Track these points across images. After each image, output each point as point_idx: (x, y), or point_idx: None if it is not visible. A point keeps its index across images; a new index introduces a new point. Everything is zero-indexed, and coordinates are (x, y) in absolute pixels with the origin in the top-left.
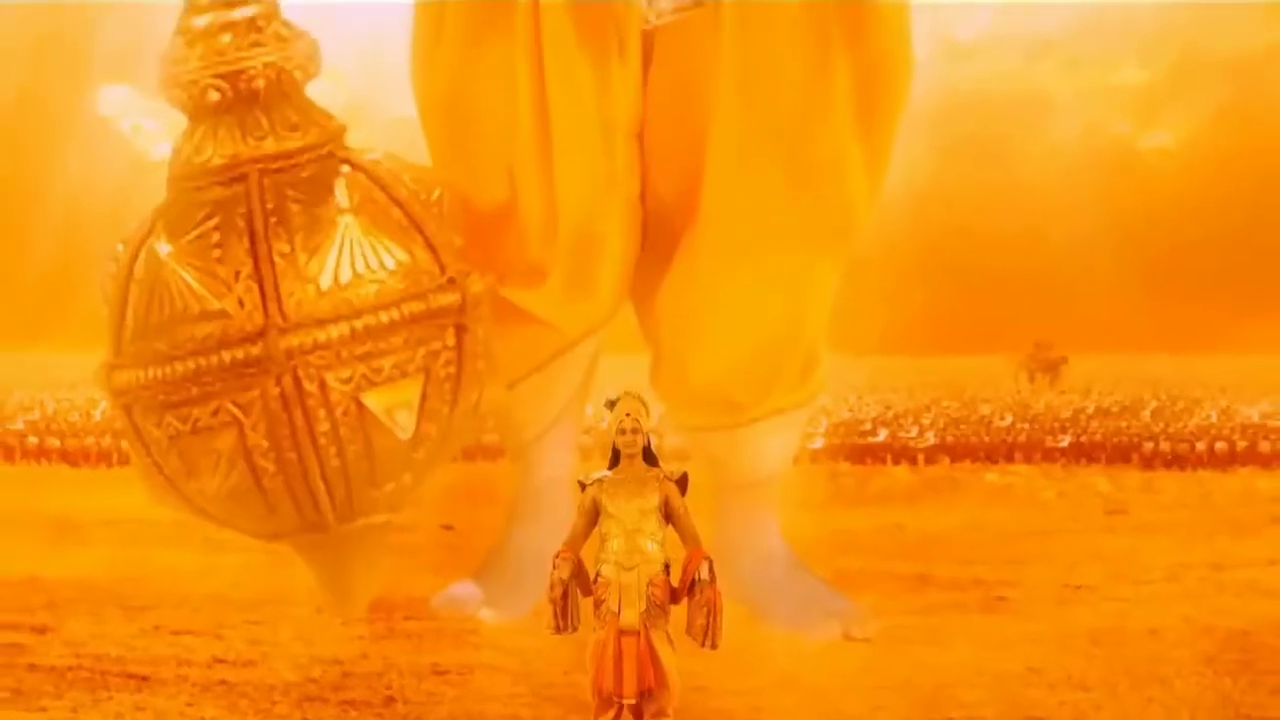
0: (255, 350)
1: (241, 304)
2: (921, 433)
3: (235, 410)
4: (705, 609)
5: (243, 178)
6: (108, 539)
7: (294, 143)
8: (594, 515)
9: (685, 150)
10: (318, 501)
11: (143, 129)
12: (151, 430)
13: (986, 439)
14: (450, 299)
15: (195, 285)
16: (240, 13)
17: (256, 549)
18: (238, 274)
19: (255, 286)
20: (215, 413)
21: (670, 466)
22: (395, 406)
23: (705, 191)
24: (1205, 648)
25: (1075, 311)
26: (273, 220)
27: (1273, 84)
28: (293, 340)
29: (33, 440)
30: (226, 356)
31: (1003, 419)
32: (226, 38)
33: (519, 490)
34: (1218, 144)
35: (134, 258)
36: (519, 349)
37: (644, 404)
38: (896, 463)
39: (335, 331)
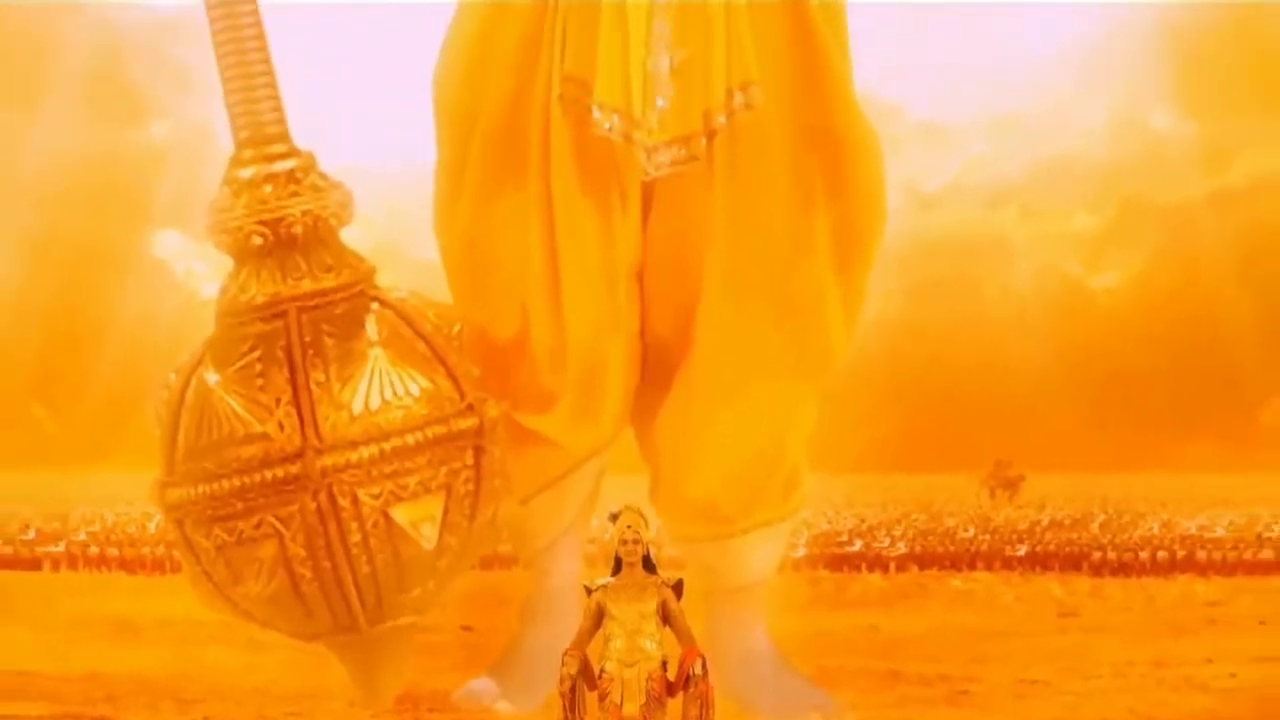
0: (294, 469)
1: (282, 427)
2: (893, 543)
3: (276, 523)
4: (699, 702)
5: (283, 314)
6: (162, 638)
7: (329, 282)
8: (598, 617)
9: (681, 290)
10: (350, 606)
11: (194, 270)
12: (200, 541)
13: (951, 549)
14: (469, 423)
15: (240, 410)
16: (281, 166)
17: (295, 648)
18: (278, 400)
19: (294, 412)
20: (258, 525)
21: (667, 573)
22: (420, 520)
23: (699, 327)
24: None
25: (1032, 434)
26: (310, 352)
27: (1205, 229)
28: (328, 460)
29: (94, 550)
30: (268, 475)
31: (966, 531)
32: (268, 188)
33: (531, 595)
34: (1157, 283)
35: (185, 385)
36: (531, 468)
37: (643, 517)
38: (870, 570)
39: (366, 452)
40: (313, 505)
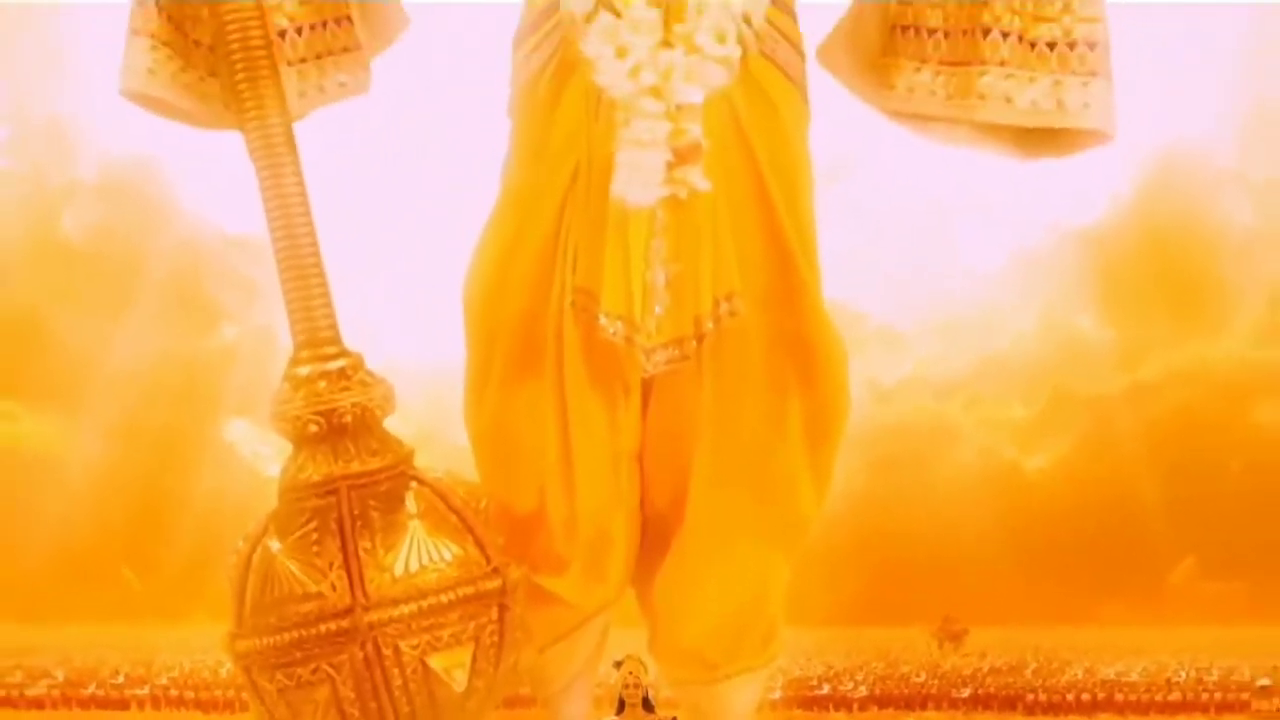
0: (345, 624)
1: (334, 588)
2: (856, 687)
3: (329, 669)
4: None
5: (335, 491)
6: None
7: (374, 464)
8: None
9: (675, 470)
10: None
11: (259, 453)
12: (265, 685)
13: (906, 692)
14: (494, 584)
15: (298, 573)
16: (333, 364)
17: None
18: (331, 565)
19: (344, 574)
20: (314, 671)
21: (664, 713)
22: (452, 666)
23: (690, 502)
24: None
25: (974, 593)
26: (358, 524)
27: (1122, 418)
28: (373, 616)
29: (174, 693)
30: (322, 628)
31: (918, 676)
32: (323, 384)
33: None
34: (1081, 464)
35: (252, 551)
36: (547, 622)
37: (643, 664)
38: (837, 710)
39: (406, 609)
40: (360, 654)
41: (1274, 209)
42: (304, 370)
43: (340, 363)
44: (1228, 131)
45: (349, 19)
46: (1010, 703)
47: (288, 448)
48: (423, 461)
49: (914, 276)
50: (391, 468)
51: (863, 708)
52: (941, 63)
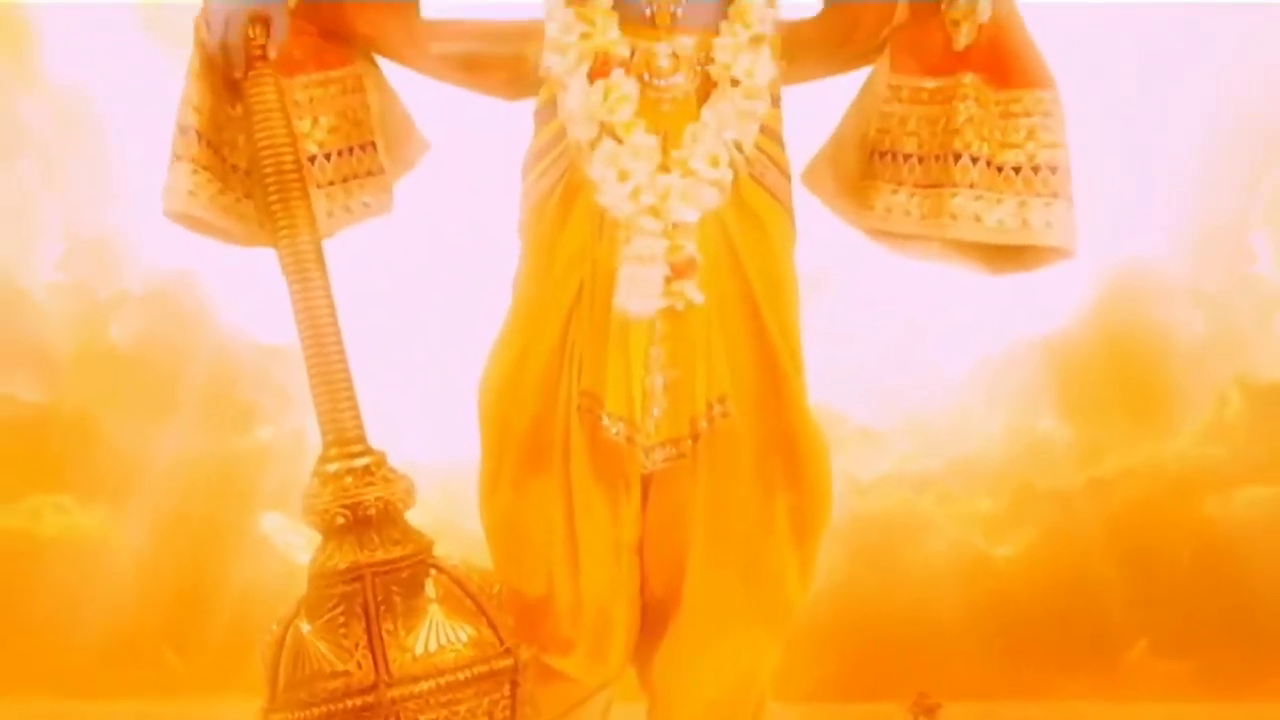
0: (369, 699)
1: (359, 666)
2: None
3: None
4: None
5: (360, 578)
6: None
7: (397, 553)
8: None
9: (672, 559)
10: None
11: (291, 543)
12: None
13: None
14: (506, 663)
15: (327, 653)
16: (359, 462)
17: None
18: (357, 645)
19: (369, 654)
20: None
21: None
22: None
23: (686, 589)
24: None
25: (947, 670)
26: (382, 608)
27: (1081, 511)
28: (395, 692)
29: None
30: (349, 704)
31: None
32: (349, 479)
33: None
34: (1044, 552)
35: (285, 633)
36: (554, 698)
37: None
38: None
39: (425, 686)
40: None
41: (1222, 319)
42: (332, 468)
43: (365, 460)
44: (1180, 248)
45: (373, 145)
46: None
47: (317, 538)
48: (441, 550)
49: (891, 382)
50: (412, 556)
51: None
52: (916, 185)
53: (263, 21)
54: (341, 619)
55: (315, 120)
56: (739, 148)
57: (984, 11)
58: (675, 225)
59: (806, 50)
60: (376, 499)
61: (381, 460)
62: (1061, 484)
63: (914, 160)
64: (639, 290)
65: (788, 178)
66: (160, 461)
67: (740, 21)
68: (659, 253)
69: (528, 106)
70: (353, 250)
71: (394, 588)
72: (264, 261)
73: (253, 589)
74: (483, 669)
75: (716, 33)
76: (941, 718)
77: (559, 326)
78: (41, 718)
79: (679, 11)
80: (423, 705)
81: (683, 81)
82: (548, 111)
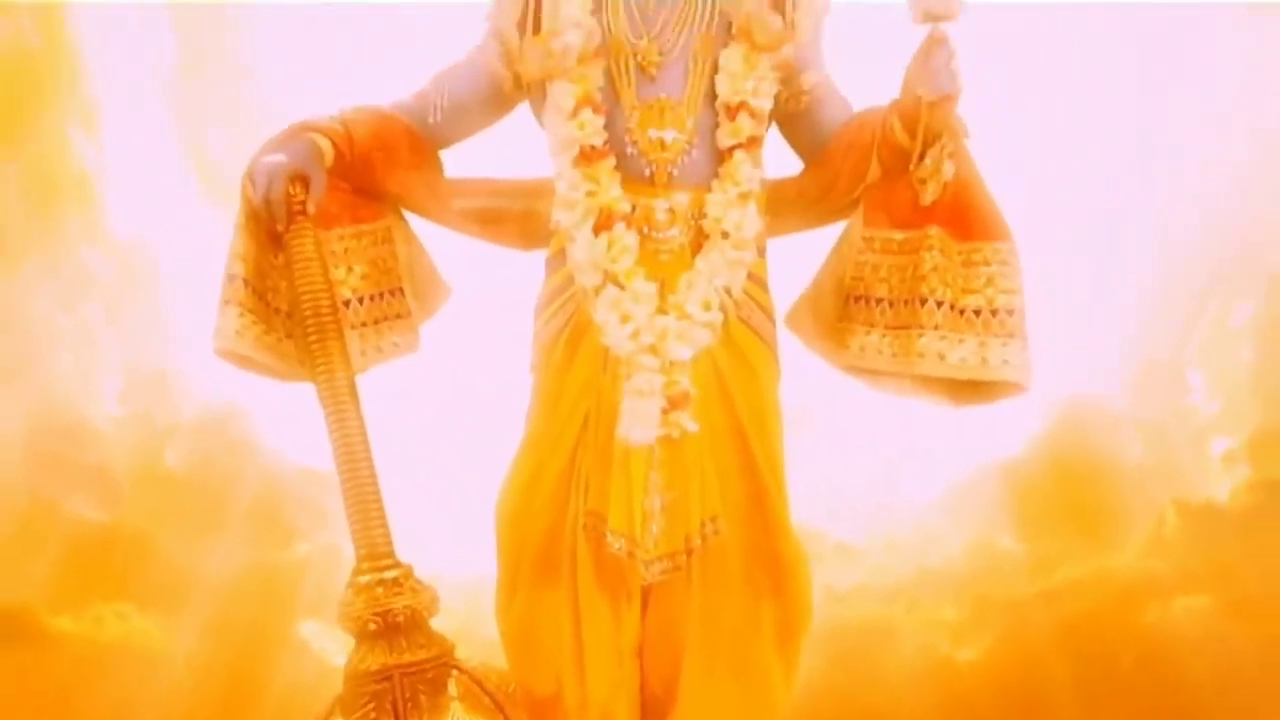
0: None
1: None
2: None
3: None
4: None
5: (390, 678)
6: None
7: (422, 655)
8: None
9: (669, 662)
10: None
11: (326, 647)
12: None
13: None
14: None
15: None
16: (388, 574)
17: None
18: None
19: None
20: None
21: None
22: None
23: (681, 689)
24: None
25: None
26: (409, 705)
27: (1035, 618)
28: None
29: None
30: None
31: None
32: (380, 590)
33: None
34: (1003, 656)
35: None
36: None
37: None
38: None
39: None
40: None
41: (1160, 446)
42: (364, 579)
43: (394, 573)
44: (1121, 383)
45: (401, 291)
46: None
47: (351, 643)
48: (462, 653)
49: (865, 503)
50: (436, 658)
51: None
52: (887, 327)
53: (302, 180)
54: (373, 716)
55: (349, 268)
56: (729, 293)
57: (948, 171)
58: (672, 363)
59: (790, 205)
60: (404, 607)
61: (409, 572)
62: (1017, 594)
63: (885, 304)
64: (639, 420)
65: (772, 320)
66: (210, 573)
67: (730, 180)
68: (657, 387)
69: (539, 256)
70: (384, 383)
71: (420, 687)
72: (304, 395)
73: (293, 689)
74: None
75: (709, 190)
76: None
77: (568, 453)
78: None
79: (675, 171)
80: None
81: (678, 234)
82: (557, 260)
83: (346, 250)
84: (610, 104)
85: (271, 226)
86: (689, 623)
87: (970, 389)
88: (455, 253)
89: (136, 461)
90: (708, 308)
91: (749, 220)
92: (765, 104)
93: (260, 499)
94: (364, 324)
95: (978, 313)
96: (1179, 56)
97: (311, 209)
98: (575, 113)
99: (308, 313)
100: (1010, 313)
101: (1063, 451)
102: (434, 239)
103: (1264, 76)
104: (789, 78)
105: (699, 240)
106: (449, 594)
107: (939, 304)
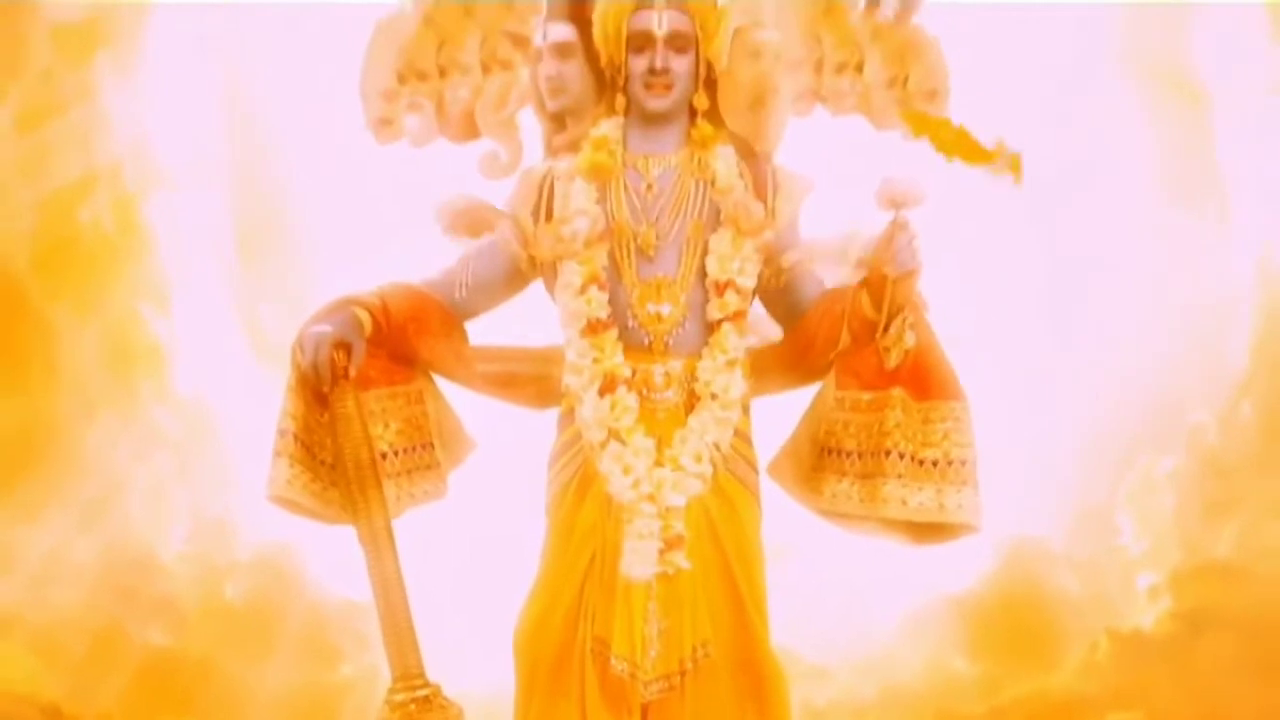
0: None
1: None
2: None
3: None
4: None
5: None
6: None
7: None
8: None
9: None
10: None
11: None
12: None
13: None
14: None
15: None
16: (420, 693)
17: None
18: None
19: None
20: None
21: None
22: None
23: None
24: None
25: None
26: None
27: None
28: None
29: None
30: None
31: None
32: (413, 707)
33: None
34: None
35: None
36: None
37: None
38: None
39: None
40: None
41: (1092, 581)
42: (399, 697)
43: (425, 691)
44: (1059, 526)
45: (431, 445)
46: None
47: None
48: None
49: (837, 629)
50: None
51: None
52: (856, 476)
53: (345, 347)
54: None
55: (386, 425)
56: (718, 448)
57: (909, 340)
58: (668, 509)
59: (770, 369)
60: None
61: (439, 690)
62: (969, 710)
63: (855, 456)
64: (639, 559)
65: (755, 470)
66: (264, 692)
67: (719, 349)
68: (655, 530)
69: (552, 415)
70: (416, 524)
71: None
72: (346, 536)
73: None
74: None
75: (700, 357)
76: None
77: (577, 586)
78: None
79: (670, 341)
80: None
81: (673, 396)
82: (567, 419)
83: (383, 409)
84: (613, 281)
85: (318, 388)
86: None
87: (929, 530)
88: (479, 412)
89: (199, 594)
90: (699, 460)
91: (735, 384)
92: (750, 282)
93: (308, 626)
94: (399, 474)
95: (935, 463)
96: (1096, 243)
97: (353, 373)
98: (583, 289)
99: (349, 464)
100: (964, 463)
101: (1009, 585)
102: (460, 399)
103: (1177, 255)
104: (770, 258)
105: (691, 401)
106: (474, 709)
107: (901, 456)
